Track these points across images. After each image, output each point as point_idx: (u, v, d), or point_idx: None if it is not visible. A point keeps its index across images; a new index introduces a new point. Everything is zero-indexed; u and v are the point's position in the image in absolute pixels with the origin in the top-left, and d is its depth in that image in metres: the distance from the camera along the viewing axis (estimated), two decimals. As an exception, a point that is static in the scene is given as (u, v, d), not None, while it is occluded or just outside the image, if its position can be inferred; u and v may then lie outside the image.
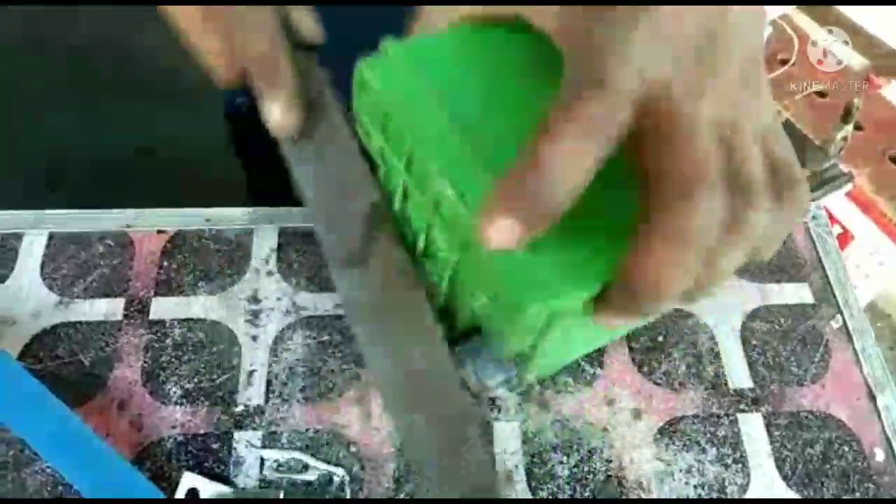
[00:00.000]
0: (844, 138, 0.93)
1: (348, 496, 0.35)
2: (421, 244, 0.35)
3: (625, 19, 0.27)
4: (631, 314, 0.29)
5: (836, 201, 0.98)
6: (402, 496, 0.36)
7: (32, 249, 0.42)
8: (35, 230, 0.43)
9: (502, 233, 0.25)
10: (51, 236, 0.42)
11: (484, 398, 0.39)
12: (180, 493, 0.35)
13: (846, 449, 0.38)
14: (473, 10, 0.34)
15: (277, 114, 0.33)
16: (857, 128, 0.97)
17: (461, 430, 0.32)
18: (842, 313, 0.43)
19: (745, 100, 0.27)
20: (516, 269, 0.28)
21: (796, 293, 0.43)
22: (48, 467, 0.35)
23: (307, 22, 0.35)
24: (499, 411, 0.38)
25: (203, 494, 0.35)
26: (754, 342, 0.42)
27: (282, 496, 0.35)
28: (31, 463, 0.35)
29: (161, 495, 0.34)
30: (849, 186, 0.98)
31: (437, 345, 0.34)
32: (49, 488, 0.35)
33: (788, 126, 1.00)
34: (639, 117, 0.26)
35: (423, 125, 0.31)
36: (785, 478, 0.37)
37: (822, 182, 0.96)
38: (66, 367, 0.38)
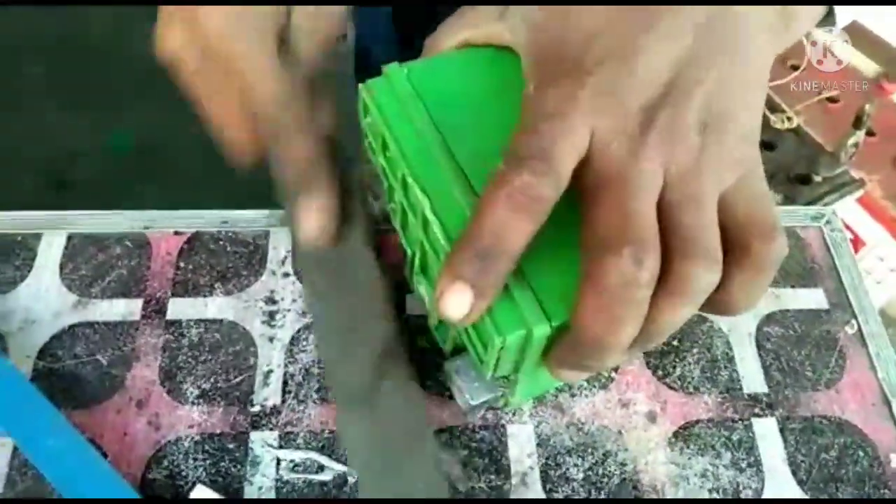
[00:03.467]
0: (856, 144, 0.93)
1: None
2: (417, 260, 0.36)
3: (574, 83, 0.27)
4: (577, 365, 0.29)
5: (847, 207, 0.98)
6: (417, 497, 0.36)
7: (51, 250, 0.42)
8: (54, 230, 0.43)
9: (454, 300, 0.26)
10: (69, 237, 0.43)
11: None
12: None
13: (861, 454, 0.38)
14: (476, 35, 0.34)
15: (312, 223, 0.32)
16: (869, 134, 0.97)
17: None
18: (856, 318, 0.43)
19: (703, 153, 0.26)
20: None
21: (811, 298, 0.43)
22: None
23: (329, 112, 0.34)
24: (513, 414, 0.38)
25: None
26: (769, 347, 0.42)
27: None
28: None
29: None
30: (860, 192, 0.98)
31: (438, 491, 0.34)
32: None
33: (800, 132, 1.00)
34: (574, 171, 0.26)
35: (415, 152, 0.31)
36: (800, 483, 0.37)
37: (834, 188, 0.96)
38: (84, 366, 0.39)
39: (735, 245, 0.26)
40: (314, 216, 0.32)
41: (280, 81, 0.31)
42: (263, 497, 0.35)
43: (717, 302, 0.27)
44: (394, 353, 0.35)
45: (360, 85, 0.34)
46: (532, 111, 0.27)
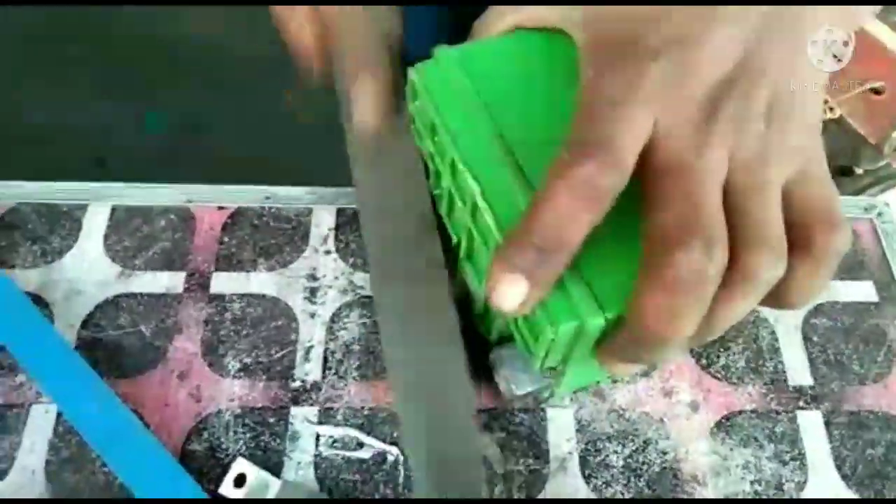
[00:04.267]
0: (901, 137, 0.91)
1: (402, 475, 0.36)
2: (463, 247, 0.35)
3: (637, 69, 0.26)
4: (632, 359, 0.28)
5: (890, 201, 0.96)
6: (455, 478, 0.36)
7: (96, 221, 0.43)
8: (99, 202, 0.43)
9: (509, 291, 0.26)
10: (114, 209, 0.43)
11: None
12: (229, 479, 0.35)
13: (909, 451, 0.38)
14: (526, 18, 0.33)
15: (366, 104, 0.34)
16: (915, 126, 0.95)
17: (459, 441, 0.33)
18: (906, 313, 0.42)
19: (768, 142, 0.26)
20: None
21: (860, 291, 0.42)
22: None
23: (394, 22, 0.36)
24: (552, 396, 0.38)
25: (250, 480, 0.35)
26: (815, 339, 0.41)
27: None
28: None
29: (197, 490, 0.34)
30: (903, 186, 0.96)
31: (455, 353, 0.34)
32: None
33: (841, 123, 0.98)
34: (637, 162, 0.26)
35: (466, 137, 0.31)
36: (844, 477, 0.37)
37: (876, 181, 0.94)
38: (127, 336, 0.39)
39: (797, 236, 0.26)
40: (368, 99, 0.34)
41: None
42: (301, 472, 0.35)
43: (776, 295, 0.26)
44: (428, 227, 0.37)
45: (410, 68, 0.33)
46: (592, 98, 0.27)
